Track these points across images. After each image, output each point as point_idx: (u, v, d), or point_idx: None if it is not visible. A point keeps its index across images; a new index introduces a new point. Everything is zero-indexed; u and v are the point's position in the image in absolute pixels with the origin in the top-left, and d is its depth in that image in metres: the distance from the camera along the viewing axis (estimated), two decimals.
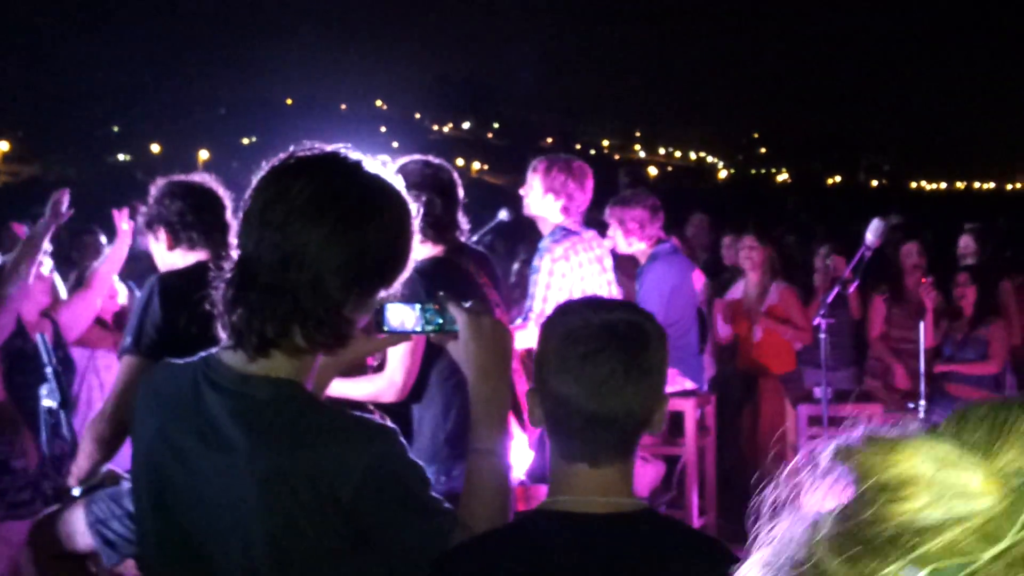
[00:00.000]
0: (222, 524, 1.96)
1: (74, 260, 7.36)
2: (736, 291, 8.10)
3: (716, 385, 7.91)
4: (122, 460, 3.91)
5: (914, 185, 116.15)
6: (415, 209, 2.07)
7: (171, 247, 4.15)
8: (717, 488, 7.20)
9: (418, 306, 2.14)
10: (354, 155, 2.04)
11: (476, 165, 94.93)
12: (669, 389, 6.81)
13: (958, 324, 7.29)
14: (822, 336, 5.82)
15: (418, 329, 2.15)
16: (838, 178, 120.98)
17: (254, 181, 2.01)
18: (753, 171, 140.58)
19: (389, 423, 2.03)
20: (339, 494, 1.89)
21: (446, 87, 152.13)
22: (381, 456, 1.93)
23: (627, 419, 1.91)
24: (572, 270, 5.37)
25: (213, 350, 2.04)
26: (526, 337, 5.29)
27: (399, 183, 2.06)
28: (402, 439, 2.00)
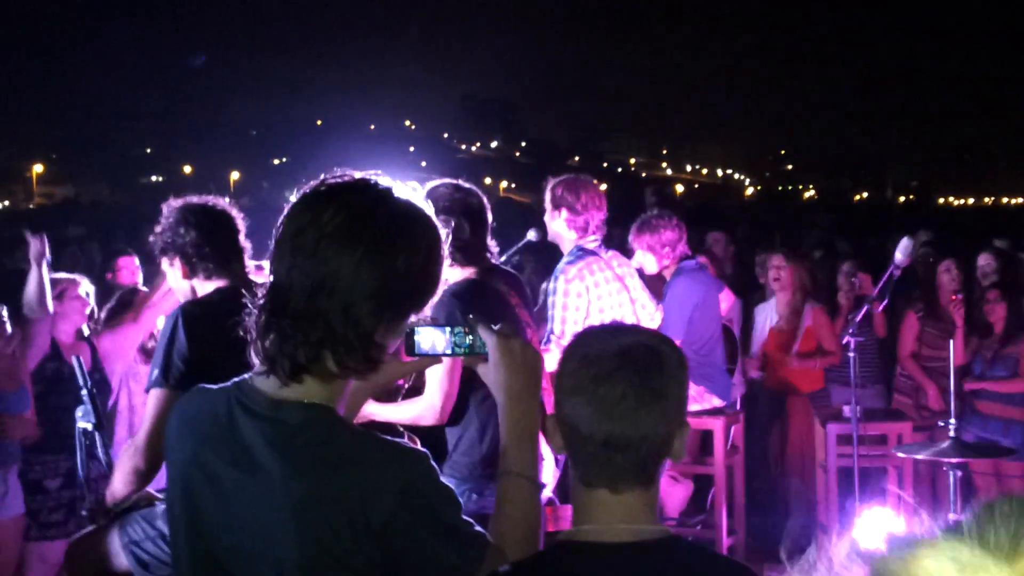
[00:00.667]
0: (255, 548, 1.96)
1: (107, 282, 7.42)
2: (764, 314, 8.05)
3: (744, 404, 7.90)
4: (157, 479, 3.95)
5: (941, 201, 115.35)
6: (445, 234, 2.09)
7: (187, 276, 4.13)
8: (746, 508, 7.19)
9: (448, 329, 2.15)
10: (385, 181, 2.05)
11: (504, 184, 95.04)
12: (696, 407, 6.83)
13: (988, 341, 7.25)
14: (851, 355, 5.81)
15: (448, 352, 2.16)
16: (865, 194, 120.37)
17: (286, 207, 2.03)
18: (780, 188, 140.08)
19: (420, 447, 2.03)
20: (371, 519, 1.89)
21: (474, 106, 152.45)
22: (413, 480, 1.93)
23: (641, 443, 1.89)
24: (588, 289, 5.39)
25: (246, 376, 2.05)
26: (551, 360, 5.32)
27: (429, 209, 2.07)
28: (433, 463, 2.00)
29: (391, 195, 2.03)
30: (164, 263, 4.21)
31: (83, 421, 4.49)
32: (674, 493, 6.99)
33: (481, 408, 4.19)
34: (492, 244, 4.36)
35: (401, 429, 2.16)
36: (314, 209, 1.98)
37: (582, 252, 5.49)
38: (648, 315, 5.74)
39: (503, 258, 5.58)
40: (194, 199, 4.19)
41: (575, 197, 5.49)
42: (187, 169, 77.04)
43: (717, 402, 6.77)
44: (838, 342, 7.26)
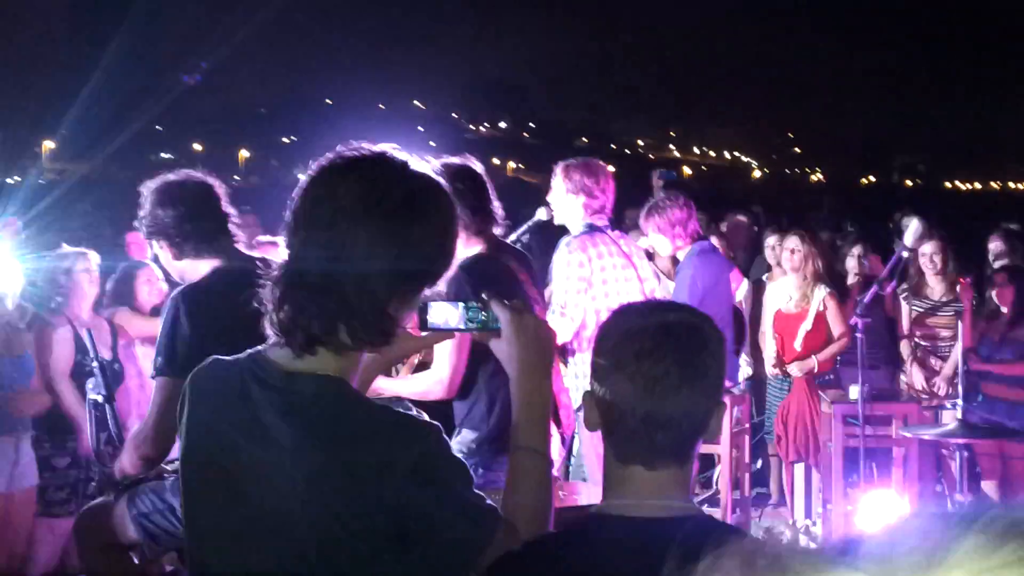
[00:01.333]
0: (268, 520, 1.97)
1: (118, 256, 7.47)
2: (776, 295, 8.05)
3: (752, 384, 7.91)
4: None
5: (948, 185, 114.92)
6: (459, 209, 2.10)
7: (177, 258, 4.08)
8: (752, 486, 7.22)
9: (461, 304, 2.15)
10: (400, 155, 2.05)
11: (512, 164, 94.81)
12: None
13: (995, 324, 7.26)
14: (859, 336, 5.82)
15: (461, 327, 2.16)
16: (872, 178, 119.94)
17: (301, 179, 2.04)
18: (787, 171, 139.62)
19: (432, 420, 2.04)
20: (384, 491, 1.90)
21: (482, 87, 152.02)
22: (426, 453, 1.94)
23: (682, 421, 1.88)
24: (590, 260, 5.41)
25: (260, 348, 2.06)
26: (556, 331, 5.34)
27: (444, 183, 2.08)
28: (445, 436, 2.01)
29: (407, 168, 2.04)
30: (154, 246, 4.17)
31: (93, 393, 4.52)
32: None
33: (490, 383, 4.21)
34: (499, 211, 4.37)
35: (409, 403, 2.18)
36: (330, 182, 1.99)
37: (589, 228, 5.51)
38: (655, 295, 5.75)
39: (512, 236, 5.60)
40: (170, 176, 4.11)
41: (594, 182, 5.51)
42: (197, 147, 77.00)
43: (725, 384, 6.78)
44: (847, 325, 7.26)
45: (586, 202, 5.50)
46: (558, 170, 5.60)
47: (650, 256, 6.26)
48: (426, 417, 2.05)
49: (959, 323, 6.00)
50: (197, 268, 4.07)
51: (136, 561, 4.19)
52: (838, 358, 7.81)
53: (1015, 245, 7.87)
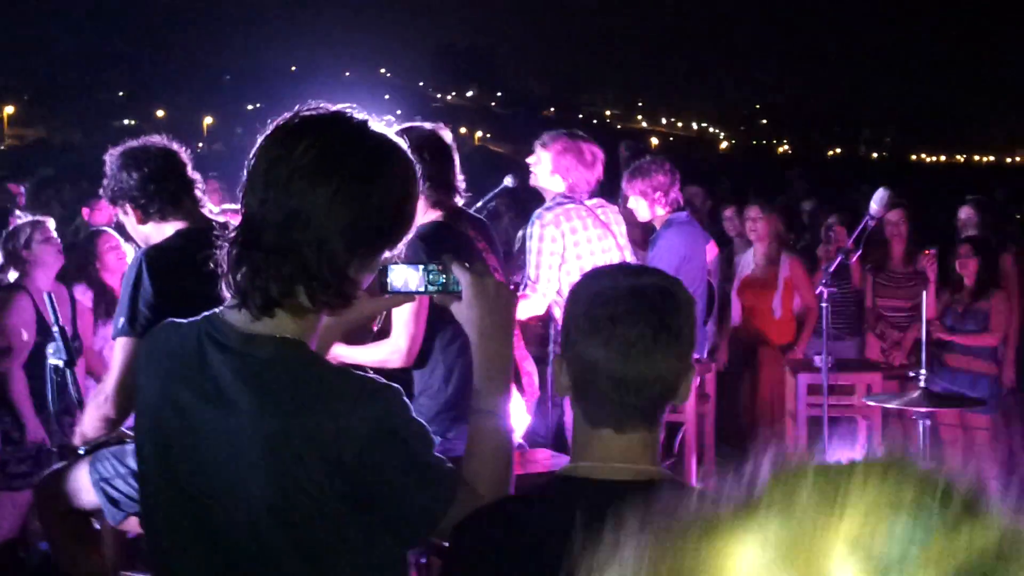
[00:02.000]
0: (225, 483, 1.95)
1: (78, 226, 7.39)
2: (746, 264, 8.11)
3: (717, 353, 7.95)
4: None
5: (914, 158, 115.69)
6: (420, 171, 2.07)
7: (141, 221, 4.08)
8: (716, 454, 7.24)
9: (421, 267, 2.13)
10: (359, 115, 2.03)
11: (479, 133, 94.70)
12: None
13: (959, 296, 7.30)
14: (824, 305, 5.83)
15: (421, 290, 2.14)
16: (839, 150, 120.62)
17: (259, 140, 2.00)
18: (754, 142, 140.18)
19: (392, 383, 2.02)
20: (343, 454, 1.88)
21: (450, 55, 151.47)
22: (386, 416, 1.93)
23: (655, 384, 1.88)
24: (564, 235, 5.38)
25: (216, 310, 2.03)
26: (529, 306, 5.32)
27: (404, 144, 2.05)
28: (406, 399, 2.00)
29: (367, 128, 2.01)
30: (119, 213, 4.18)
31: (54, 358, 4.48)
32: None
33: (447, 351, 4.20)
34: (460, 183, 4.34)
35: (370, 369, 2.15)
36: (287, 142, 1.96)
37: (563, 199, 5.47)
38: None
39: (479, 204, 5.56)
40: (133, 143, 4.13)
41: (587, 168, 5.48)
42: (160, 113, 76.45)
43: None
44: (813, 293, 7.30)
45: (571, 184, 5.47)
46: (549, 145, 5.51)
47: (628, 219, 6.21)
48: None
49: (923, 294, 6.01)
50: (162, 231, 4.06)
51: (98, 527, 4.17)
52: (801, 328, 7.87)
53: (984, 216, 7.90)
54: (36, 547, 5.89)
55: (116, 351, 3.91)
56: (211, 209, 4.31)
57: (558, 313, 5.40)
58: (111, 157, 4.09)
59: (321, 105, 2.04)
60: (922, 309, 5.65)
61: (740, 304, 8.05)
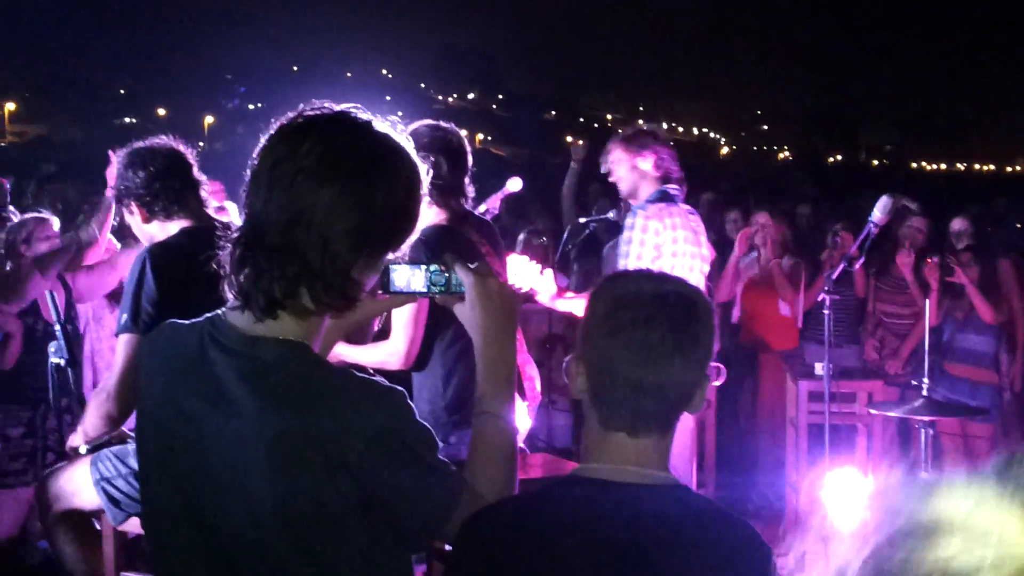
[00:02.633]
0: (228, 486, 1.93)
1: (80, 224, 7.35)
2: (748, 270, 8.11)
3: (718, 359, 7.92)
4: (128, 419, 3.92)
5: (914, 165, 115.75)
6: (425, 171, 2.05)
7: (147, 220, 4.11)
8: (716, 462, 7.23)
9: (425, 267, 2.13)
10: (364, 115, 2.01)
11: (480, 136, 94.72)
12: None
13: (959, 303, 7.28)
14: (826, 312, 5.81)
15: (424, 290, 2.13)
16: (839, 156, 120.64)
17: (262, 140, 1.99)
18: (755, 148, 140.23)
19: (396, 386, 2.00)
20: (347, 457, 1.87)
21: (452, 57, 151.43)
22: (390, 419, 1.91)
23: (671, 389, 1.91)
24: (664, 230, 5.34)
25: (219, 311, 2.02)
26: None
27: (409, 144, 2.03)
28: (409, 401, 1.98)
29: (371, 129, 1.99)
30: (125, 213, 4.20)
31: (55, 357, 4.46)
32: None
33: (446, 355, 4.18)
34: (469, 187, 4.32)
35: (372, 371, 2.13)
36: (291, 141, 1.94)
37: (663, 195, 5.47)
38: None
39: (482, 206, 5.54)
40: (139, 143, 4.17)
41: (663, 143, 5.55)
42: (161, 112, 76.41)
43: None
44: (795, 296, 7.36)
45: (656, 162, 5.48)
46: (618, 141, 5.61)
47: None
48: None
49: (926, 302, 6.00)
50: (167, 230, 4.09)
51: (99, 527, 4.15)
52: (804, 335, 7.85)
53: (978, 227, 7.91)
54: (36, 547, 5.87)
55: (119, 348, 3.91)
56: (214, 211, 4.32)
57: None
58: (116, 158, 4.15)
59: (325, 105, 2.03)
60: (925, 317, 5.63)
61: (741, 305, 8.04)
